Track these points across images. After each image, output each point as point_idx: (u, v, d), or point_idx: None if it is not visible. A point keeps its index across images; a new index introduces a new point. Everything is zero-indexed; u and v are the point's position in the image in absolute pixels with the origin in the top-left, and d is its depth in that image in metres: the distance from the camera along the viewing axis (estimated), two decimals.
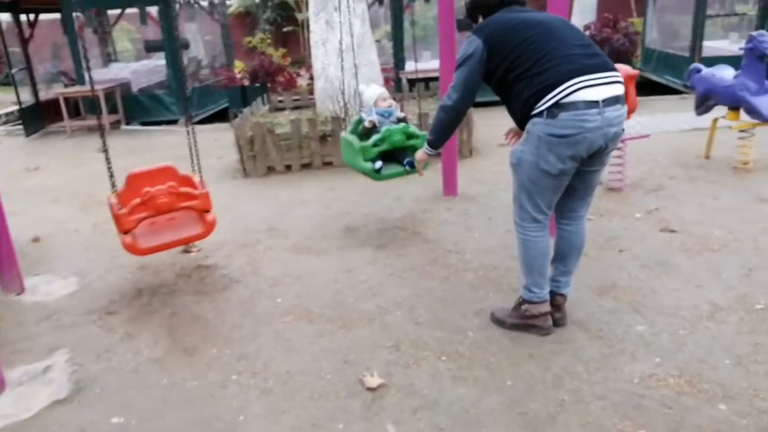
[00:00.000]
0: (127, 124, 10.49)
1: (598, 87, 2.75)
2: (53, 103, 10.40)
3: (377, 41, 8.49)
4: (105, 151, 3.68)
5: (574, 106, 2.72)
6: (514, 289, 3.58)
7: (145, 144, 8.99)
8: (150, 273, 4.29)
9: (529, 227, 3.04)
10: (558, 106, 2.73)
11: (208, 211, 3.80)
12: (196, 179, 4.02)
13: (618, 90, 2.82)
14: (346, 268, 4.12)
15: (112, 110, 10.37)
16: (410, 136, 4.18)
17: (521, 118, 2.93)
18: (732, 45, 10.66)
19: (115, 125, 10.33)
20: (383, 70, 7.93)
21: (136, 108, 10.57)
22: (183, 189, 3.70)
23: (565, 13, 3.98)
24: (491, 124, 8.24)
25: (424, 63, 10.73)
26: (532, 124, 2.84)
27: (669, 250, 4.02)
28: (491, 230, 4.61)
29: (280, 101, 8.66)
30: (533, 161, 2.86)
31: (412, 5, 11.48)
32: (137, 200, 3.57)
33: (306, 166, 6.68)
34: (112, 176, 3.69)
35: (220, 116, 11.11)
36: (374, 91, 4.32)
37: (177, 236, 3.77)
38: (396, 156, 4.26)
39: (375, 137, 4.10)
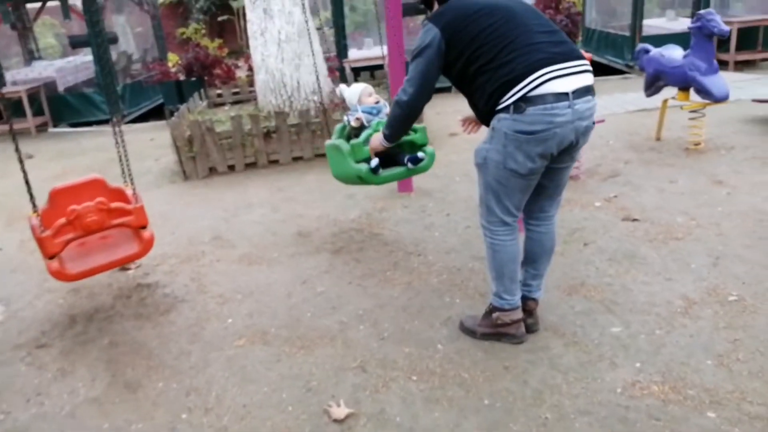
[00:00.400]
0: (55, 126, 9.81)
1: (567, 77, 2.54)
2: None
3: (318, 29, 8.10)
4: (20, 161, 3.24)
5: (542, 99, 2.50)
6: (482, 294, 3.38)
7: (75, 147, 8.40)
8: (84, 296, 3.89)
9: (497, 231, 2.83)
10: (525, 100, 2.51)
11: (144, 226, 3.42)
12: (129, 191, 3.63)
13: (588, 80, 2.62)
14: (300, 278, 3.84)
15: (38, 112, 9.67)
16: None
17: (485, 114, 2.69)
18: (669, 23, 10.76)
19: (41, 128, 9.64)
20: (327, 59, 7.60)
21: (64, 108, 9.88)
22: (114, 204, 3.31)
23: None
24: (440, 113, 8.06)
25: (367, 50, 10.44)
26: (498, 120, 2.61)
27: (634, 241, 3.89)
28: (451, 227, 4.39)
29: (219, 95, 8.21)
30: (500, 160, 2.63)
31: None
32: (62, 220, 3.17)
33: (250, 166, 6.32)
34: (31, 194, 3.24)
35: (156, 113, 10.54)
36: (356, 88, 3.80)
37: (111, 257, 3.39)
38: (392, 156, 3.70)
39: (366, 132, 3.57)
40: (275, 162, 6.31)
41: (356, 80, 8.36)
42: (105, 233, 3.51)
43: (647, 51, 5.77)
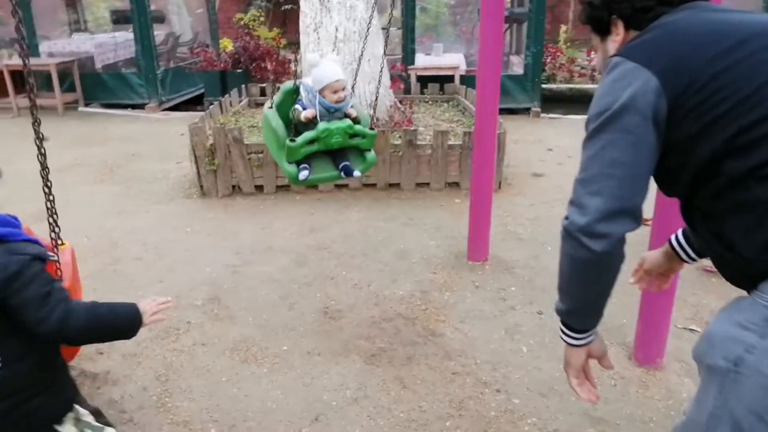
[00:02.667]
0: (87, 105, 8.67)
1: None
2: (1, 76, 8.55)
3: (383, 29, 6.67)
4: (40, 145, 1.92)
5: None
6: None
7: (99, 133, 7.19)
8: None
9: None
10: None
11: None
12: (65, 257, 2.19)
13: None
14: (313, 409, 2.41)
15: (70, 88, 8.54)
16: (354, 134, 2.73)
17: (749, 266, 1.20)
18: None
19: (71, 105, 8.50)
20: (392, 68, 6.17)
21: (98, 87, 8.69)
22: None
23: None
24: (519, 140, 6.52)
25: (436, 57, 8.94)
26: None
27: None
28: (545, 339, 2.90)
29: (263, 94, 6.86)
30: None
31: None
32: None
33: (283, 188, 4.93)
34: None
35: (199, 101, 9.31)
36: (328, 71, 2.65)
37: None
38: (330, 151, 2.79)
39: (308, 135, 2.64)
40: (314, 187, 4.91)
41: (421, 91, 6.91)
42: None
43: None
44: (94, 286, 3.38)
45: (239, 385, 2.56)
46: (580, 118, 7.87)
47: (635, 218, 1.24)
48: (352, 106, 2.75)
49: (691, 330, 3.00)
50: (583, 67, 9.89)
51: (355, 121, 2.73)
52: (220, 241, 4.00)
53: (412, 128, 4.98)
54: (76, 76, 8.47)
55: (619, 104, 1.20)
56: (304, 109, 2.65)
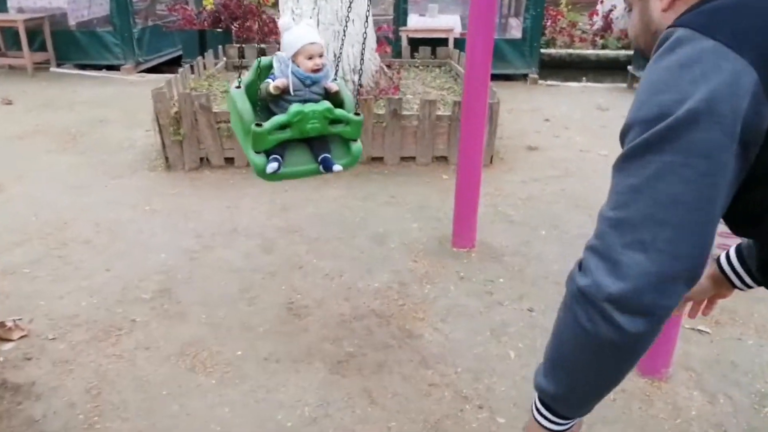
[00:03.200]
0: (59, 65, 8.14)
1: None
2: None
3: None
4: None
5: None
6: None
7: (68, 96, 6.70)
8: None
9: None
10: None
11: None
12: None
13: None
14: (268, 429, 2.07)
15: (42, 47, 8.00)
16: (335, 120, 2.26)
17: None
18: None
19: (42, 65, 7.97)
20: (378, 29, 5.67)
21: (71, 46, 8.13)
22: None
23: None
24: (514, 110, 6.09)
25: (431, 19, 8.41)
26: None
27: None
28: (536, 341, 2.55)
29: (241, 55, 6.36)
30: None
31: None
32: None
33: None
34: None
35: (180, 62, 8.77)
36: (300, 33, 2.25)
37: None
38: (308, 140, 2.32)
39: (278, 119, 2.17)
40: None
41: (412, 55, 6.41)
42: None
43: None
44: (34, 274, 3.02)
45: (182, 401, 2.21)
46: (579, 86, 7.42)
47: (693, 283, 0.81)
48: (334, 80, 2.31)
49: (700, 331, 2.66)
50: (584, 32, 9.36)
51: (337, 100, 2.27)
52: (181, 221, 3.61)
53: (398, 96, 4.54)
54: (47, 33, 7.90)
55: (688, 109, 0.75)
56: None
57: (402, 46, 6.82)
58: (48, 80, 7.49)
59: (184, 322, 2.66)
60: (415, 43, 6.84)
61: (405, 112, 4.44)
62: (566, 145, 5.03)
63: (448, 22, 7.88)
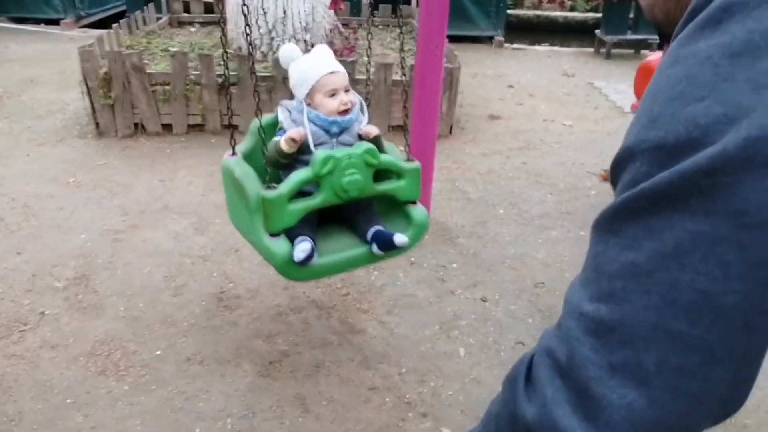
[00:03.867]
0: None
1: None
2: None
3: None
4: None
5: None
6: None
7: (1, 51, 6.16)
8: None
9: None
10: None
11: None
12: None
13: None
14: None
15: None
16: (382, 171, 1.67)
17: None
18: None
19: None
20: None
21: None
22: None
23: None
24: (478, 74, 5.81)
25: None
26: None
27: None
28: (487, 335, 2.34)
29: (188, 11, 5.89)
30: None
31: None
32: None
33: (196, 128, 4.16)
34: None
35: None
36: (314, 63, 1.71)
37: None
38: (345, 214, 1.75)
39: (299, 174, 1.56)
40: (233, 127, 4.14)
41: (369, 19, 6.01)
42: None
43: None
44: None
45: (87, 410, 1.94)
46: (545, 50, 7.16)
47: None
48: (368, 122, 1.76)
49: None
50: None
51: (376, 144, 1.68)
52: (106, 197, 3.27)
53: (351, 59, 4.22)
54: None
55: (747, 137, 0.36)
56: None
57: (362, 3, 6.43)
58: None
59: (99, 316, 2.37)
60: (378, 0, 6.45)
61: (358, 77, 4.12)
62: (530, 115, 4.79)
63: None
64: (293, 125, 1.65)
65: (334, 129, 1.64)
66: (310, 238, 1.57)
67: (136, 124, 4.08)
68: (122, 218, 3.06)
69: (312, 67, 1.67)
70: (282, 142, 1.60)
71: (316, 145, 1.62)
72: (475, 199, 3.40)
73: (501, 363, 2.20)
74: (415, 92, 2.87)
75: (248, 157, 1.75)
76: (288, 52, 1.75)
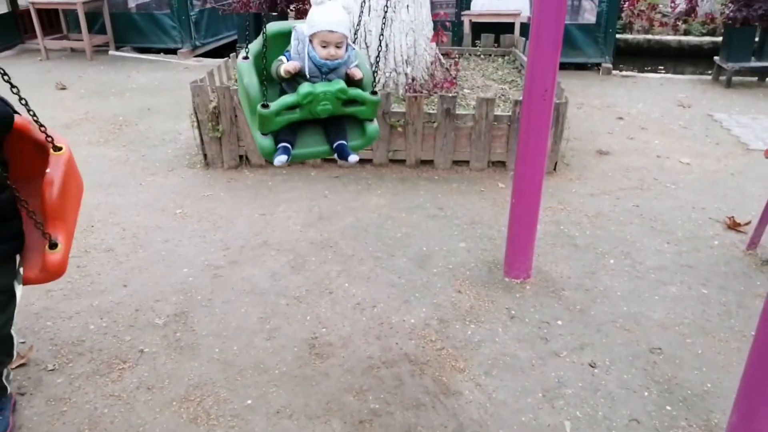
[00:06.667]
0: (118, 48, 8.05)
1: None
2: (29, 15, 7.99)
3: None
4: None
5: None
6: None
7: (122, 82, 6.57)
8: None
9: None
10: None
11: None
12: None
13: None
14: None
15: (102, 30, 7.93)
16: (349, 100, 1.99)
17: None
18: None
19: (101, 48, 7.91)
20: (435, 15, 5.17)
21: (130, 29, 8.03)
22: None
23: None
24: (584, 105, 5.50)
25: (496, 0, 7.79)
26: None
27: None
28: (597, 407, 2.10)
29: None
30: None
31: None
32: None
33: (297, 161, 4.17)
34: None
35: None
36: (324, 15, 1.95)
37: None
38: (323, 122, 2.07)
39: (285, 99, 1.94)
40: (332, 161, 4.13)
41: (473, 43, 5.87)
42: None
43: None
44: (49, 286, 2.78)
45: None
46: (657, 77, 6.69)
47: None
48: (356, 65, 2.03)
49: None
50: (665, 15, 8.50)
51: (357, 84, 2.01)
52: (210, 230, 3.32)
53: (451, 94, 4.08)
54: (106, 15, 7.82)
55: None
56: (289, 60, 1.97)
57: (463, 33, 6.29)
58: (105, 64, 7.39)
59: (194, 357, 2.35)
60: (479, 29, 6.30)
61: (459, 111, 3.98)
62: (642, 150, 4.43)
63: (516, 5, 7.25)
64: (297, 54, 1.96)
65: (325, 69, 1.95)
66: (289, 142, 1.97)
67: (240, 156, 4.16)
68: (223, 253, 3.08)
69: (320, 18, 1.92)
70: (282, 69, 1.94)
71: (310, 77, 1.94)
72: (583, 246, 3.13)
73: None
74: (521, 135, 2.68)
75: (256, 57, 2.05)
76: None
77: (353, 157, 2.06)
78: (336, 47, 1.92)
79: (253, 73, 2.02)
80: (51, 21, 8.30)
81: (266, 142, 1.97)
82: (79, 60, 7.48)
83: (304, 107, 1.92)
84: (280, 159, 1.95)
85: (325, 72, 1.96)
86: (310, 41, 1.93)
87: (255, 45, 2.10)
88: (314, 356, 2.36)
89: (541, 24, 2.44)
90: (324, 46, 1.92)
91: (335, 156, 2.06)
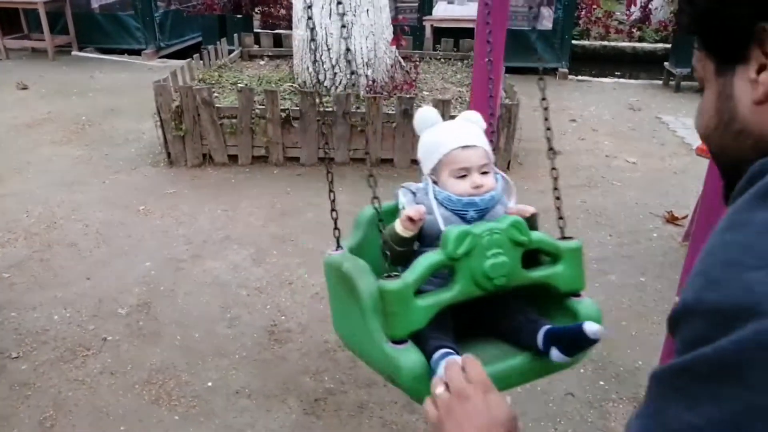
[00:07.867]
0: (81, 49, 8.03)
1: None
2: None
3: None
4: None
5: None
6: None
7: (84, 82, 6.57)
8: None
9: None
10: None
11: None
12: None
13: None
14: None
15: (64, 30, 7.90)
16: (530, 255, 1.18)
17: None
18: None
19: (64, 49, 7.87)
20: (394, 20, 5.35)
21: (94, 30, 8.00)
22: None
23: None
24: (538, 107, 5.69)
25: (459, 6, 8.03)
26: None
27: None
28: (538, 386, 2.28)
29: (258, 44, 6.12)
30: None
31: None
32: None
33: (260, 159, 4.29)
34: None
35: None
36: (446, 134, 1.27)
37: None
38: (484, 313, 1.21)
39: (426, 260, 1.09)
40: (294, 159, 4.26)
41: (434, 48, 6.06)
42: None
43: None
44: (13, 280, 2.86)
45: None
46: (611, 82, 6.99)
47: None
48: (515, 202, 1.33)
49: None
50: (620, 22, 8.87)
51: (531, 224, 1.21)
52: (173, 226, 3.41)
53: (410, 95, 4.25)
54: (68, 16, 7.79)
55: None
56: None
57: (425, 37, 6.49)
58: (68, 64, 7.38)
59: (156, 344, 2.46)
60: (441, 34, 6.50)
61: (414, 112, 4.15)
62: (592, 150, 4.67)
63: (476, 11, 7.49)
64: (410, 199, 1.29)
65: (471, 213, 1.21)
66: (453, 350, 1.07)
67: (204, 155, 4.25)
68: (186, 247, 3.18)
69: (443, 137, 1.27)
70: (397, 223, 1.21)
71: (445, 221, 1.20)
72: None
73: (538, 401, 2.12)
74: None
75: (358, 249, 1.35)
76: (425, 115, 1.33)
77: (591, 326, 1.05)
78: (481, 173, 1.22)
79: (356, 259, 1.25)
80: (11, 20, 8.23)
81: (407, 354, 1.05)
82: (40, 60, 7.44)
83: (460, 269, 1.08)
84: (441, 365, 0.93)
85: (472, 219, 1.20)
86: (434, 182, 1.24)
87: (351, 239, 1.38)
88: (273, 342, 2.49)
89: (483, 30, 2.61)
90: (461, 176, 1.22)
91: (556, 356, 1.08)
